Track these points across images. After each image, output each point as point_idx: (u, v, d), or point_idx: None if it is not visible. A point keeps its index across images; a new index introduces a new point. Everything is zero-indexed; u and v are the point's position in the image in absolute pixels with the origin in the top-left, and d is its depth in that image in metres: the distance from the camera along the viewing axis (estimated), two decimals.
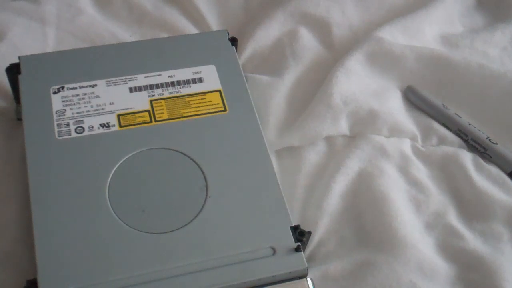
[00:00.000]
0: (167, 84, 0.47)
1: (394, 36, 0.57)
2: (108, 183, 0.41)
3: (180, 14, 0.60)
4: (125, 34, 0.58)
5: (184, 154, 0.44)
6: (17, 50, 0.54)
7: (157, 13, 0.59)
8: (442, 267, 0.45)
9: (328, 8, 0.60)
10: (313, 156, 0.51)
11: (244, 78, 0.49)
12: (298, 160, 0.51)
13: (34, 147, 0.43)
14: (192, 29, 0.59)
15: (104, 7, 0.60)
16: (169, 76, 0.47)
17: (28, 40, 0.55)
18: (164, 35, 0.58)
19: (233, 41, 0.51)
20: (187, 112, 0.46)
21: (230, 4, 0.61)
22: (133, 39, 0.58)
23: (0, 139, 0.49)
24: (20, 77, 0.46)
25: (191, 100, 0.46)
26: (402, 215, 0.47)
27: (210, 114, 0.46)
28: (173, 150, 0.44)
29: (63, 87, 0.46)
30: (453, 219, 0.48)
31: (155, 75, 0.47)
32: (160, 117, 0.45)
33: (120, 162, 0.42)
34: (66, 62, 0.47)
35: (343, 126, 0.52)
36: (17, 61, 0.47)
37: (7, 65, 0.47)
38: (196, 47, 0.50)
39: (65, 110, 0.45)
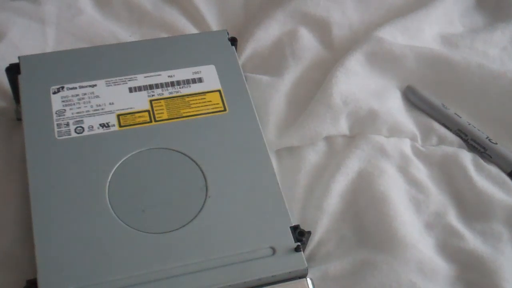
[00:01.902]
0: (167, 84, 0.47)
1: (394, 36, 0.57)
2: (108, 183, 0.41)
3: (180, 14, 0.60)
4: (125, 34, 0.58)
5: (184, 154, 0.43)
6: (17, 50, 0.54)
7: (157, 13, 0.59)
8: (442, 267, 0.45)
9: (328, 8, 0.60)
10: (313, 156, 0.51)
11: (244, 78, 0.49)
12: (298, 160, 0.51)
13: (34, 147, 0.42)
14: (192, 29, 0.59)
15: (104, 7, 0.60)
16: (169, 76, 0.47)
17: (28, 40, 0.55)
18: (164, 35, 0.58)
19: (233, 41, 0.51)
20: (187, 112, 0.46)
21: (230, 4, 0.61)
22: (133, 39, 0.58)
23: (0, 139, 0.49)
24: (19, 77, 0.46)
25: (191, 100, 0.46)
26: (402, 215, 0.47)
27: (210, 114, 0.46)
28: (173, 150, 0.44)
29: (62, 87, 0.46)
30: (453, 219, 0.48)
31: (155, 75, 0.47)
32: (160, 117, 0.45)
33: (120, 162, 0.42)
34: (66, 62, 0.47)
35: (343, 126, 0.52)
36: (17, 61, 0.47)
37: (7, 65, 0.47)
38: (196, 47, 0.50)
39: (65, 110, 0.45)
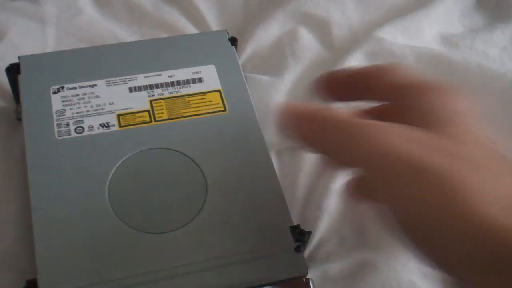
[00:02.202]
0: (166, 84, 0.47)
1: (394, 36, 0.57)
2: (108, 183, 0.41)
3: (180, 14, 0.60)
4: (125, 34, 0.58)
5: (184, 154, 0.43)
6: (17, 50, 0.54)
7: (157, 13, 0.59)
8: None
9: (328, 8, 0.60)
10: (313, 156, 0.51)
11: (244, 78, 0.49)
12: (298, 160, 0.50)
13: (34, 147, 0.42)
14: (192, 29, 0.59)
15: (104, 7, 0.59)
16: (168, 76, 0.47)
17: (28, 40, 0.55)
18: (164, 35, 0.58)
19: (233, 41, 0.51)
20: (187, 112, 0.46)
21: (230, 4, 0.61)
22: (133, 38, 0.57)
23: (0, 139, 0.49)
24: (20, 77, 0.46)
25: (191, 100, 0.46)
26: None
27: (210, 114, 0.46)
28: (173, 150, 0.43)
29: (62, 87, 0.46)
30: None
31: (155, 75, 0.47)
32: (160, 117, 0.45)
33: (120, 162, 0.42)
34: (66, 62, 0.47)
35: None
36: (17, 61, 0.47)
37: (7, 65, 0.47)
38: (196, 47, 0.50)
39: (65, 110, 0.45)
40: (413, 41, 0.58)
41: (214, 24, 0.60)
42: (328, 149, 0.34)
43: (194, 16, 0.60)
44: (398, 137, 0.30)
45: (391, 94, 0.34)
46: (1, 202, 0.45)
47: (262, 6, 0.61)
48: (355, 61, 0.55)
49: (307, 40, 0.58)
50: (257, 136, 0.45)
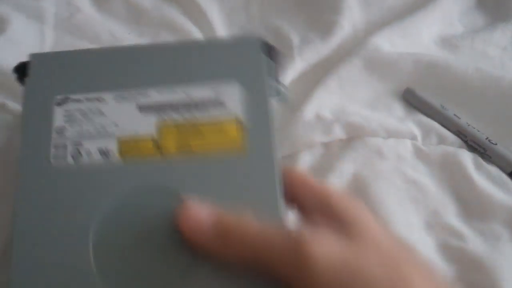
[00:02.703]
0: (180, 106, 0.41)
1: (393, 39, 0.57)
2: (93, 228, 0.37)
3: (179, 11, 0.59)
4: (123, 32, 0.57)
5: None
6: (14, 46, 0.53)
7: (155, 10, 0.58)
8: (442, 267, 0.45)
9: (331, 8, 0.60)
10: (309, 158, 0.51)
11: (272, 106, 0.41)
12: (293, 162, 0.50)
13: (26, 170, 0.39)
14: (192, 27, 0.58)
15: (102, 5, 0.59)
16: (183, 94, 0.41)
17: (25, 37, 0.55)
18: (164, 32, 0.57)
19: (270, 51, 0.42)
20: (197, 145, 0.39)
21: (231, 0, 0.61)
22: (131, 36, 0.56)
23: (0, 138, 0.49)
24: (26, 80, 0.42)
25: (204, 129, 0.40)
26: (401, 215, 0.47)
27: (222, 151, 0.39)
28: (173, 191, 0.38)
29: (68, 98, 0.41)
30: (453, 219, 0.48)
31: (168, 92, 0.41)
32: (166, 148, 0.40)
33: (113, 201, 0.38)
34: (76, 66, 0.42)
35: (337, 133, 0.51)
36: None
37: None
38: (221, 57, 0.42)
39: (65, 127, 0.41)
40: (412, 43, 0.58)
41: (216, 21, 0.59)
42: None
43: (194, 13, 0.59)
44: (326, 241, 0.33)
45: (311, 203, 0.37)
46: (0, 203, 0.45)
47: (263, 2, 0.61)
48: (350, 68, 0.55)
49: (306, 40, 0.58)
50: (272, 191, 0.38)
